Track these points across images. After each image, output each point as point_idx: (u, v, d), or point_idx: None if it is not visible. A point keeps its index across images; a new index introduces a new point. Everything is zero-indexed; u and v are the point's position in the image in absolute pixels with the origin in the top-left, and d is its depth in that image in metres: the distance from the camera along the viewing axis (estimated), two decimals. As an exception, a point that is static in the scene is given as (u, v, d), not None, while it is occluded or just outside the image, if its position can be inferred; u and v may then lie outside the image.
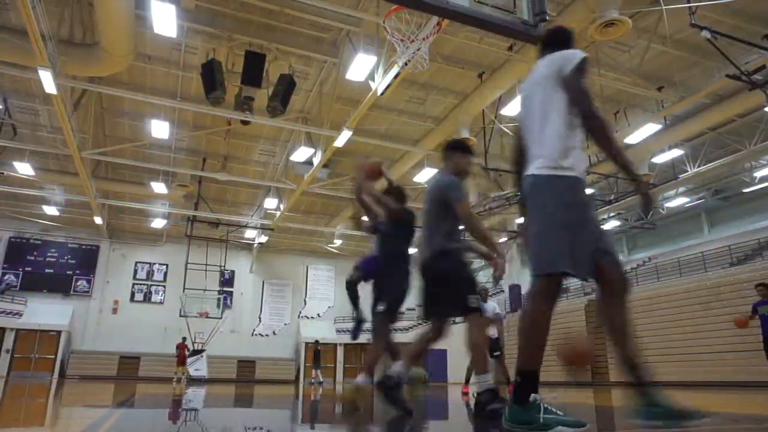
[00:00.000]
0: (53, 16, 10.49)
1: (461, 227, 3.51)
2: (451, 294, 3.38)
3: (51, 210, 21.66)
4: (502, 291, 25.30)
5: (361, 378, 3.82)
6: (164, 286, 25.59)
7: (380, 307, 3.77)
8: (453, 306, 3.41)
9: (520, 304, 24.51)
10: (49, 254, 23.95)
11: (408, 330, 25.61)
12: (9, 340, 21.69)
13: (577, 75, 2.33)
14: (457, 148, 3.68)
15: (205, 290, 22.32)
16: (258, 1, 11.21)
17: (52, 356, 22.30)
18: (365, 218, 4.34)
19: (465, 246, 3.56)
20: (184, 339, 19.19)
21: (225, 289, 24.92)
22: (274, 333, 27.00)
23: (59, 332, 22.57)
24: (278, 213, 20.46)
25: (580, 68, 2.34)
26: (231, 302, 25.95)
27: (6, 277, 22.92)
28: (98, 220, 21.16)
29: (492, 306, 8.88)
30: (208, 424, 3.12)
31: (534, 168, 2.35)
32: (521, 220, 2.60)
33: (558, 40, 2.60)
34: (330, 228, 23.97)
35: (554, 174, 2.28)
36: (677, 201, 21.49)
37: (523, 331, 2.26)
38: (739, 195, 21.04)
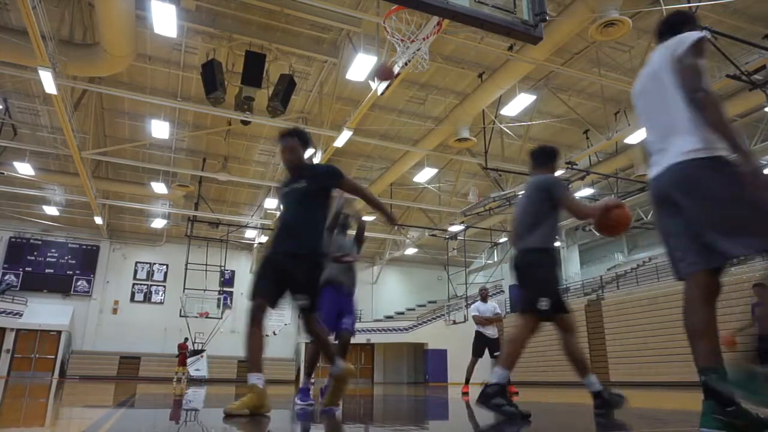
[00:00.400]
0: (53, 16, 10.50)
1: (556, 227, 3.62)
2: (525, 292, 3.55)
3: (51, 210, 21.67)
4: (502, 291, 25.30)
5: (338, 363, 3.54)
6: (164, 287, 25.60)
7: (303, 302, 3.44)
8: (524, 303, 3.52)
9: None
10: (49, 254, 23.95)
11: (408, 330, 25.62)
12: (9, 340, 21.69)
13: (690, 53, 2.19)
14: (553, 155, 3.89)
15: (205, 290, 22.32)
16: (258, 1, 11.22)
17: (53, 356, 22.31)
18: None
19: (552, 246, 3.61)
20: (186, 339, 19.23)
21: (225, 289, 24.91)
22: (274, 333, 26.97)
23: (59, 332, 22.57)
24: (278, 213, 20.45)
25: (694, 47, 2.20)
26: (231, 302, 25.96)
27: (6, 277, 22.92)
28: (98, 220, 21.17)
29: (492, 306, 8.88)
30: (207, 424, 3.12)
31: (676, 156, 2.18)
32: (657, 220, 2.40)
33: (673, 24, 2.47)
34: (330, 228, 23.97)
35: (707, 156, 2.11)
36: (677, 201, 21.48)
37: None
38: (739, 195, 21.02)
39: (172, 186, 18.00)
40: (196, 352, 20.44)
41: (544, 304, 3.38)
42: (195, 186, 19.44)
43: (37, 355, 22.13)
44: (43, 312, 22.49)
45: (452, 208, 20.38)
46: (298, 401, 4.54)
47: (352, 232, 5.29)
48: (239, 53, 12.26)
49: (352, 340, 5.15)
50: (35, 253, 23.73)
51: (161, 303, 25.31)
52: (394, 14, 8.05)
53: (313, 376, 4.93)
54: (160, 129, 14.56)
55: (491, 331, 8.69)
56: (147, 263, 25.76)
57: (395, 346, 26.60)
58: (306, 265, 3.39)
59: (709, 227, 2.10)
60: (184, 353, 17.87)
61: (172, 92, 14.03)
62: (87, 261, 24.49)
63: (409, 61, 8.90)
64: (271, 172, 19.41)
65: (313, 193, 3.52)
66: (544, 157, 3.86)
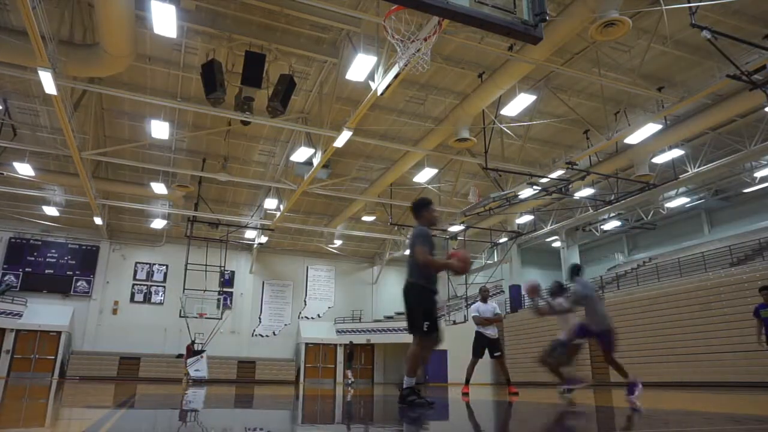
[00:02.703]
0: (53, 16, 10.50)
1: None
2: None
3: (51, 210, 21.67)
4: (503, 291, 25.30)
5: None
6: (164, 287, 25.59)
7: None
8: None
9: (520, 305, 24.46)
10: (49, 255, 23.95)
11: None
12: (9, 341, 21.69)
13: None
14: (423, 205, 4.72)
15: (205, 291, 22.33)
16: (258, 2, 11.22)
17: (52, 357, 22.30)
18: None
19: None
20: (193, 342, 19.32)
21: (225, 289, 24.91)
22: (274, 333, 27.00)
23: (59, 333, 22.57)
24: (278, 213, 20.47)
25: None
26: (231, 303, 25.96)
27: (6, 278, 22.91)
28: (98, 220, 21.16)
29: (492, 306, 8.88)
30: (207, 424, 3.11)
31: None
32: None
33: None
34: (330, 228, 23.98)
35: None
36: (677, 201, 21.49)
37: None
38: (739, 195, 21.03)
39: (172, 186, 18.00)
40: (197, 353, 20.44)
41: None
42: (195, 186, 19.44)
43: (36, 356, 22.13)
44: (43, 312, 22.49)
45: (452, 208, 20.37)
46: None
47: None
48: (239, 53, 12.25)
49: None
50: (35, 254, 23.72)
51: (161, 303, 25.31)
52: (394, 14, 8.04)
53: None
54: (160, 129, 14.55)
55: (491, 332, 8.70)
56: (147, 264, 25.76)
57: (395, 346, 26.59)
58: None
59: None
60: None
61: (172, 92, 14.02)
62: (87, 261, 24.48)
63: (410, 61, 8.89)
64: (271, 173, 19.40)
65: None
66: (418, 208, 4.67)
